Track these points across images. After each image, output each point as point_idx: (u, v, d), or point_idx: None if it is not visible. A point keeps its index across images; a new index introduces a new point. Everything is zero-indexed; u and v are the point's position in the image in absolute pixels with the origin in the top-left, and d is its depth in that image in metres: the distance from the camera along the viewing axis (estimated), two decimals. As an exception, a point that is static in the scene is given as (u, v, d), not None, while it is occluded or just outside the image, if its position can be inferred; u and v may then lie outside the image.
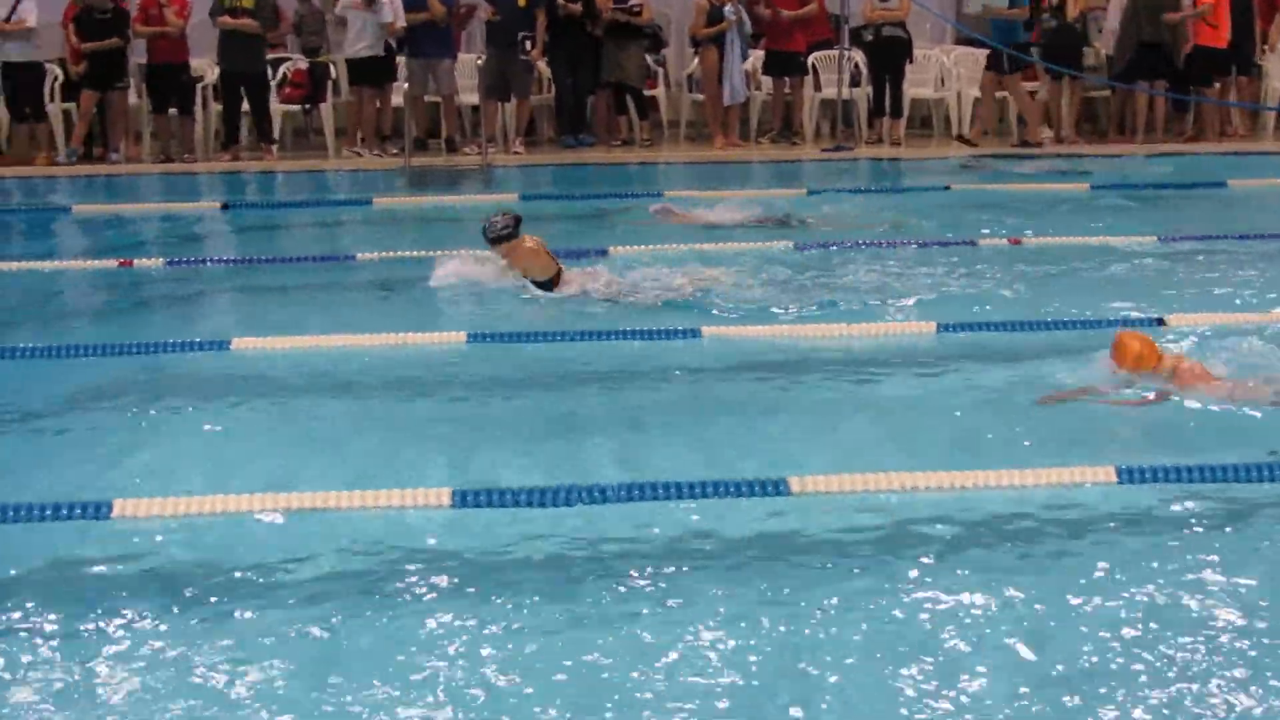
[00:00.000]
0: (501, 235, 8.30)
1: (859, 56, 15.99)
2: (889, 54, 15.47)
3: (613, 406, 6.49)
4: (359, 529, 4.95)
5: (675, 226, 10.61)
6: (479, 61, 15.37)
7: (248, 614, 4.31)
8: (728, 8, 15.18)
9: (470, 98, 15.90)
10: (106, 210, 12.42)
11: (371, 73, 15.25)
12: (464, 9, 15.91)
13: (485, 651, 4.04)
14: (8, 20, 14.62)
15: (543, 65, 15.85)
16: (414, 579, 4.54)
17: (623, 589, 4.45)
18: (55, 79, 15.42)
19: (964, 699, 3.75)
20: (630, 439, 5.98)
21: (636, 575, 4.54)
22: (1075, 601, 4.30)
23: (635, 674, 3.90)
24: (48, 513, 5.07)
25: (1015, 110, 16.07)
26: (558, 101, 16.18)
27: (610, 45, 15.46)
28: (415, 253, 9.61)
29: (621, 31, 15.41)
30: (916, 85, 16.28)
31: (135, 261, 9.71)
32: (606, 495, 5.13)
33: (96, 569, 4.71)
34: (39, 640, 4.17)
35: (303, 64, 16.00)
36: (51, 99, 15.44)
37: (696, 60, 16.18)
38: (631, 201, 11.74)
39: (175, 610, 4.34)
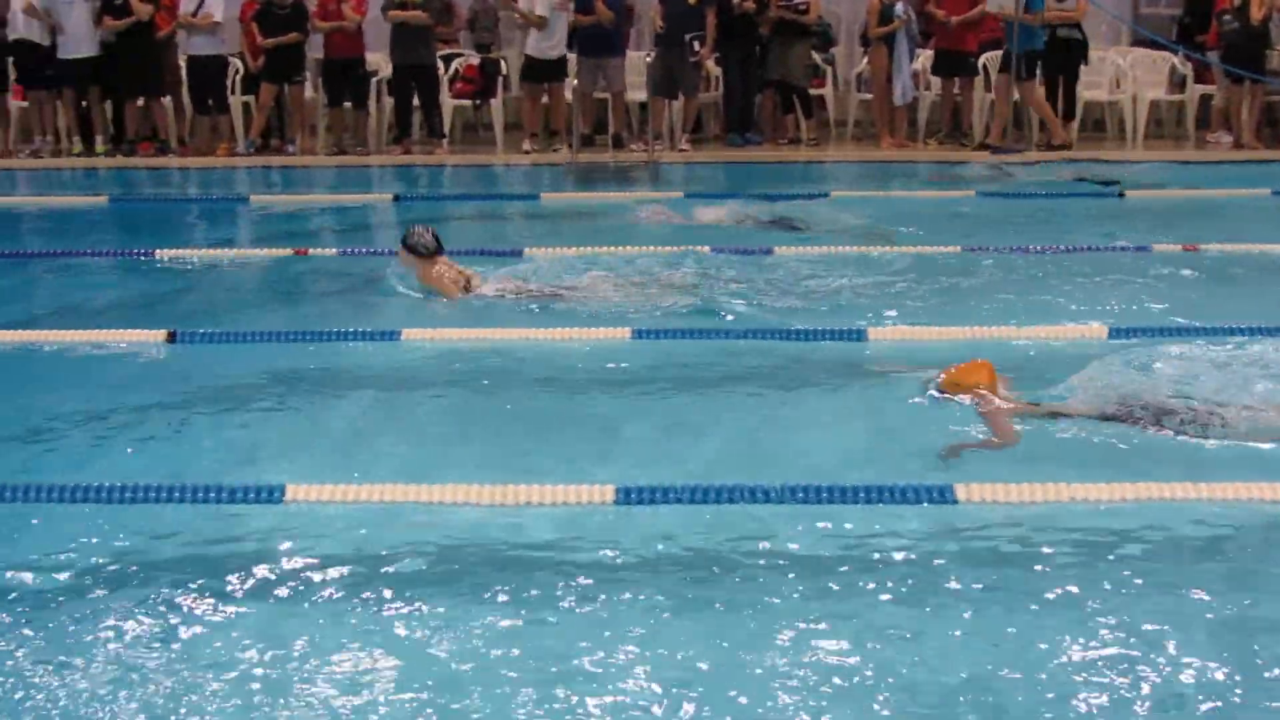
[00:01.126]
0: (415, 248, 8.30)
1: (1032, 57, 15.72)
2: (1064, 55, 15.15)
3: (780, 405, 6.45)
4: (521, 524, 5.01)
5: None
6: (647, 59, 15.45)
7: (409, 601, 4.38)
8: (898, 6, 15.04)
9: (638, 95, 15.99)
10: (282, 200, 12.74)
11: (543, 70, 15.40)
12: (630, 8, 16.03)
13: (658, 651, 4.07)
14: (194, 14, 15.07)
15: (711, 64, 15.87)
16: (578, 575, 4.58)
17: (784, 591, 4.44)
18: (236, 72, 15.86)
19: None
20: (793, 439, 5.96)
21: (795, 578, 4.53)
22: None
23: (795, 671, 3.90)
24: (224, 494, 5.21)
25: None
26: (725, 100, 16.18)
27: (776, 44, 15.42)
28: (580, 249, 9.69)
29: (788, 30, 15.37)
30: (1091, 88, 15.95)
31: (310, 250, 9.96)
32: (770, 495, 5.11)
33: (267, 550, 4.84)
34: (214, 615, 4.32)
35: (474, 60, 16.25)
36: (233, 92, 15.88)
37: (865, 59, 16.06)
38: (797, 202, 11.70)
39: (338, 594, 4.45)
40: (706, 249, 9.41)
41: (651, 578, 4.55)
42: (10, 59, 15.51)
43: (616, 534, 4.88)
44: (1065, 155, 14.66)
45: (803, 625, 4.19)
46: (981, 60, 15.72)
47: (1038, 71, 15.01)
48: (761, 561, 4.67)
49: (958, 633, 4.16)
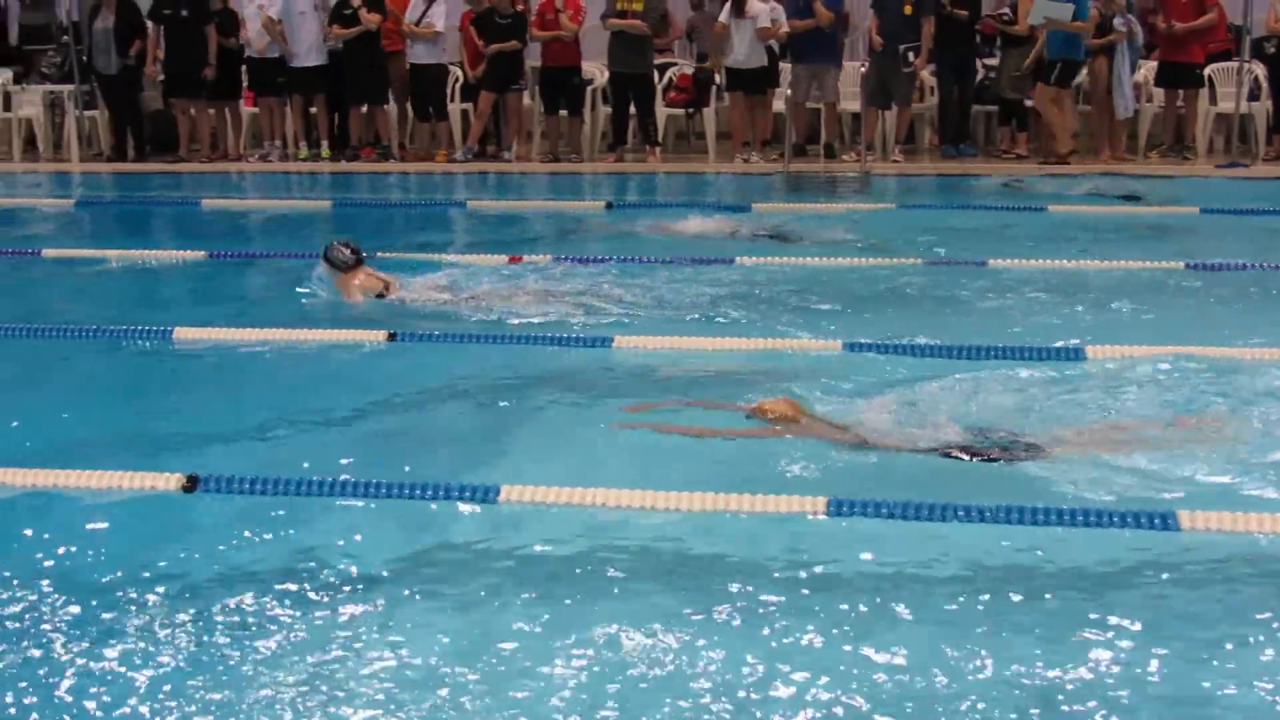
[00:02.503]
0: (335, 261, 8.75)
1: (1259, 69, 15.20)
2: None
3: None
4: (732, 531, 5.04)
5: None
6: (862, 68, 15.36)
7: (618, 603, 4.47)
8: (1118, 19, 14.67)
9: (851, 105, 15.90)
10: (498, 206, 12.98)
11: (746, 80, 15.43)
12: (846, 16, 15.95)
13: (869, 658, 4.08)
14: (417, 24, 15.47)
15: (926, 74, 15.71)
16: (784, 584, 4.59)
17: (1001, 611, 4.40)
18: (456, 80, 16.22)
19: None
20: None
21: (1013, 597, 4.48)
22: None
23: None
24: (442, 492, 5.36)
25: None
26: (940, 110, 15.99)
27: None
28: (797, 259, 9.69)
29: (1005, 42, 15.15)
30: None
31: (524, 257, 10.14)
32: (984, 515, 5.06)
33: (481, 548, 4.96)
34: (429, 606, 4.48)
35: (688, 69, 16.36)
36: (452, 99, 16.25)
37: (1084, 71, 15.70)
38: (1009, 215, 11.52)
39: (548, 593, 4.54)
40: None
41: (860, 591, 4.54)
42: (243, 67, 16.11)
43: (830, 548, 4.88)
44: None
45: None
46: (1207, 71, 15.25)
47: (1070, 83, 14.94)
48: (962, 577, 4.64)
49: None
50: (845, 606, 4.39)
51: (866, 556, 4.78)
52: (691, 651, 4.13)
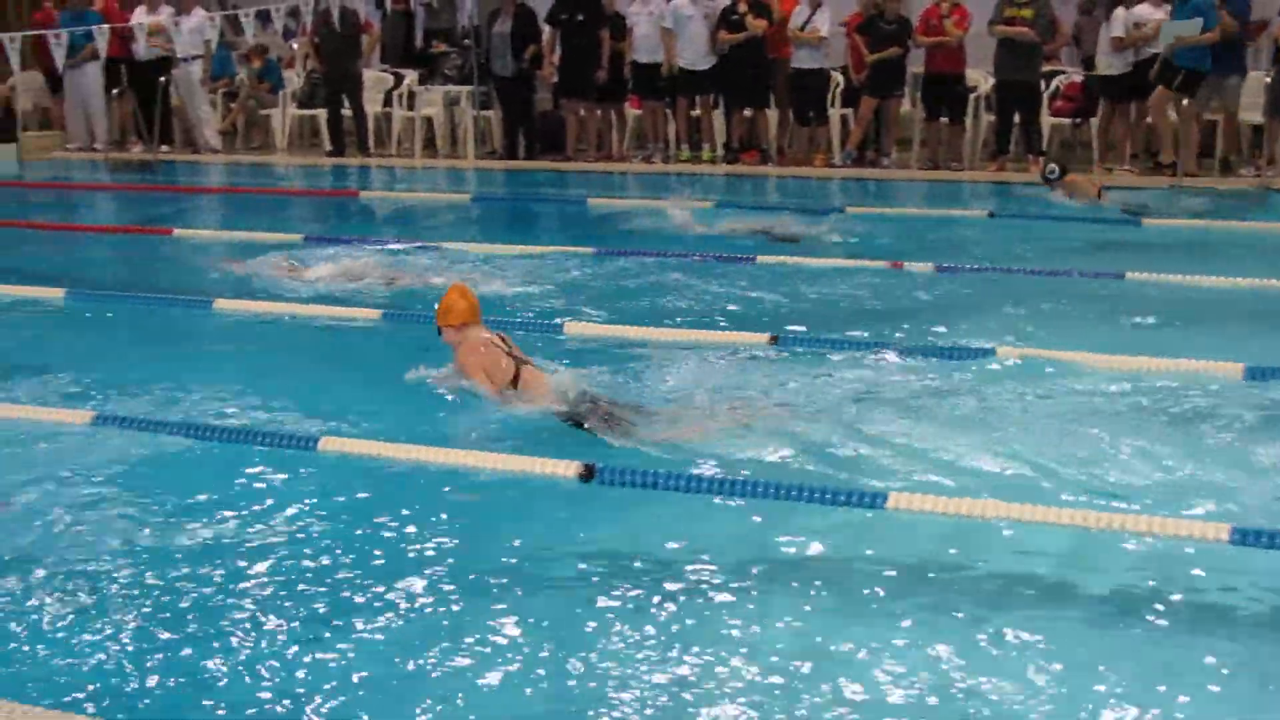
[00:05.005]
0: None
1: None
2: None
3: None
4: (1122, 552, 4.91)
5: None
6: (1267, 79, 14.61)
7: (1007, 620, 4.39)
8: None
9: (1252, 116, 15.15)
10: (877, 212, 12.93)
11: (1126, 87, 14.91)
12: (1255, 25, 15.17)
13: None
14: (802, 29, 15.58)
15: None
16: (1181, 611, 4.45)
17: None
18: (836, 85, 16.26)
19: None
20: None
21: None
22: None
23: None
24: (828, 496, 5.39)
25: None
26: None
27: None
28: (1184, 277, 9.33)
29: None
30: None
31: (905, 264, 10.08)
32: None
33: (866, 554, 4.97)
34: (804, 610, 4.52)
35: (1077, 77, 15.92)
36: (832, 104, 16.30)
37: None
38: None
39: (927, 604, 4.53)
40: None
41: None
42: (626, 71, 16.56)
43: (1236, 577, 4.70)
44: None
45: None
46: None
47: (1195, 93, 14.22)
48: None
49: None
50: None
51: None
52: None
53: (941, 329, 8.22)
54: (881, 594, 4.62)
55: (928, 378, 7.15)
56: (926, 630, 4.34)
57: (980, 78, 16.04)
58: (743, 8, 15.66)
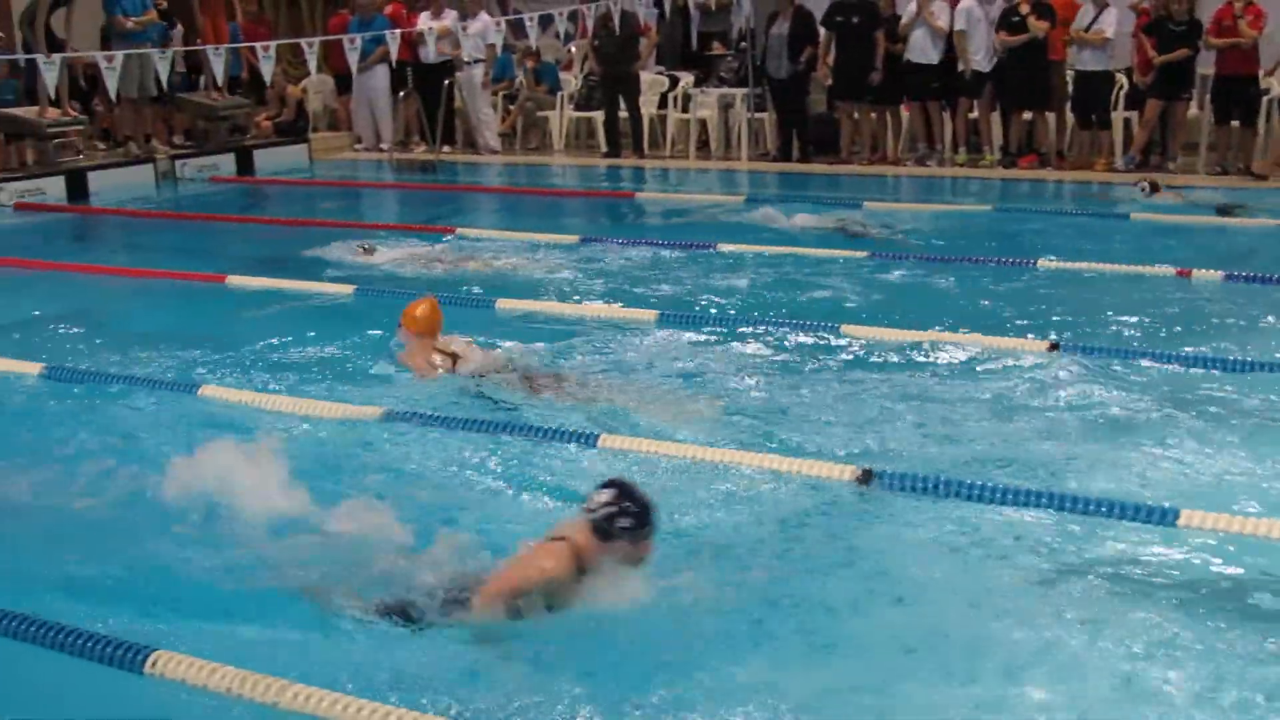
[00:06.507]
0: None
1: None
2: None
3: None
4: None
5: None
6: None
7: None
8: None
9: None
10: (1163, 219, 12.53)
11: None
12: None
13: None
14: (1086, 30, 15.22)
15: None
16: None
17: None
18: (1120, 87, 15.83)
19: None
20: None
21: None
22: None
23: None
24: (1114, 510, 5.29)
25: None
26: None
27: None
28: None
29: None
30: None
31: (1193, 272, 9.77)
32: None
33: (1161, 569, 4.86)
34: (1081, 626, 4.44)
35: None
36: (1115, 106, 15.87)
37: None
38: None
39: (1221, 624, 4.42)
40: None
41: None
42: (902, 73, 16.40)
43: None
44: None
45: None
46: None
47: None
48: None
49: None
50: None
51: None
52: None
53: (1230, 341, 7.96)
54: (1173, 611, 4.52)
55: (1220, 390, 6.95)
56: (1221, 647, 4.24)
57: (1275, 81, 15.39)
58: (1025, 9, 15.37)
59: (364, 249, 11.18)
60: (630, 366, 7.66)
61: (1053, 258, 10.38)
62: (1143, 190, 13.39)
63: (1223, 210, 12.75)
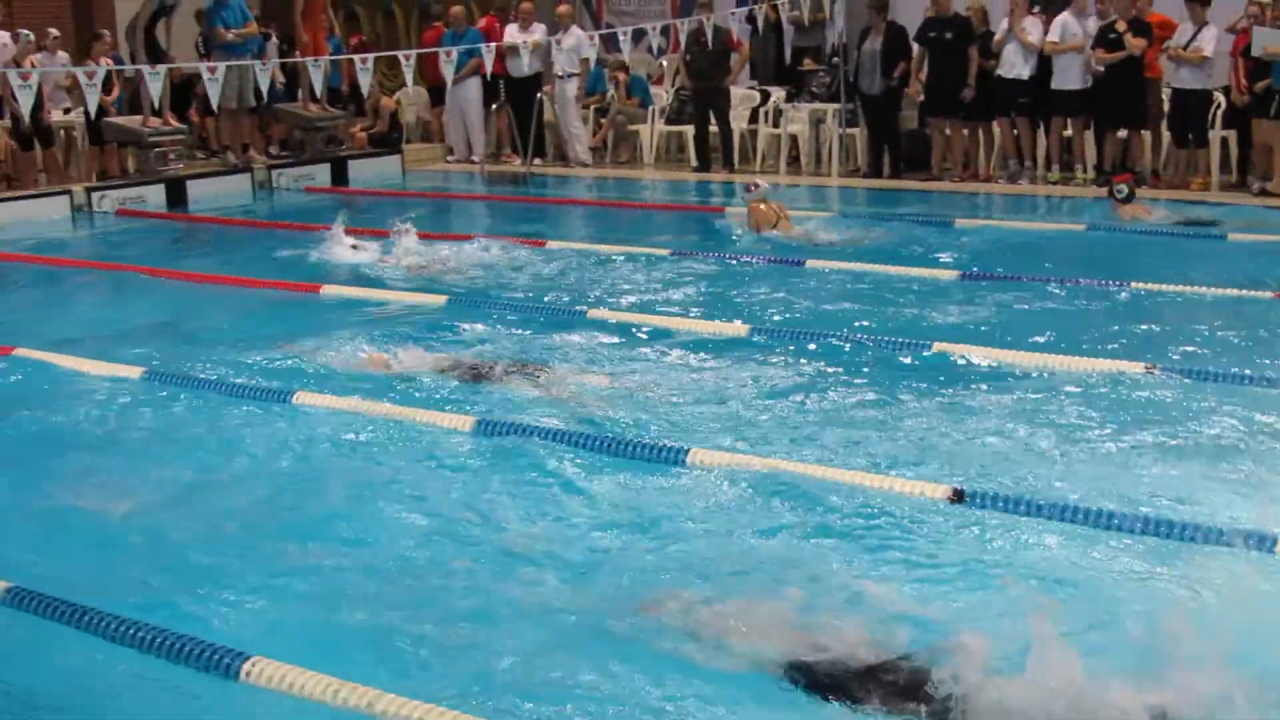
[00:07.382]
0: None
1: None
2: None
3: None
4: None
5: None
6: None
7: None
8: None
9: None
10: (1259, 240, 12.36)
11: None
12: None
13: None
14: (1185, 48, 15.05)
15: None
16: None
17: None
18: (1218, 106, 15.63)
19: None
20: None
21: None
22: None
23: None
24: (1212, 536, 5.24)
25: None
26: None
27: None
28: None
29: None
30: None
31: (1283, 295, 9.66)
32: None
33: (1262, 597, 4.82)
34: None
35: None
36: (1213, 126, 15.68)
37: None
38: None
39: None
40: None
41: None
42: (994, 89, 16.29)
43: None
44: None
45: None
46: None
47: None
48: None
49: None
50: None
51: None
52: None
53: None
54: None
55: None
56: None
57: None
58: (1121, 26, 15.22)
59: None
60: (722, 379, 7.70)
61: (1145, 279, 10.26)
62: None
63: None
